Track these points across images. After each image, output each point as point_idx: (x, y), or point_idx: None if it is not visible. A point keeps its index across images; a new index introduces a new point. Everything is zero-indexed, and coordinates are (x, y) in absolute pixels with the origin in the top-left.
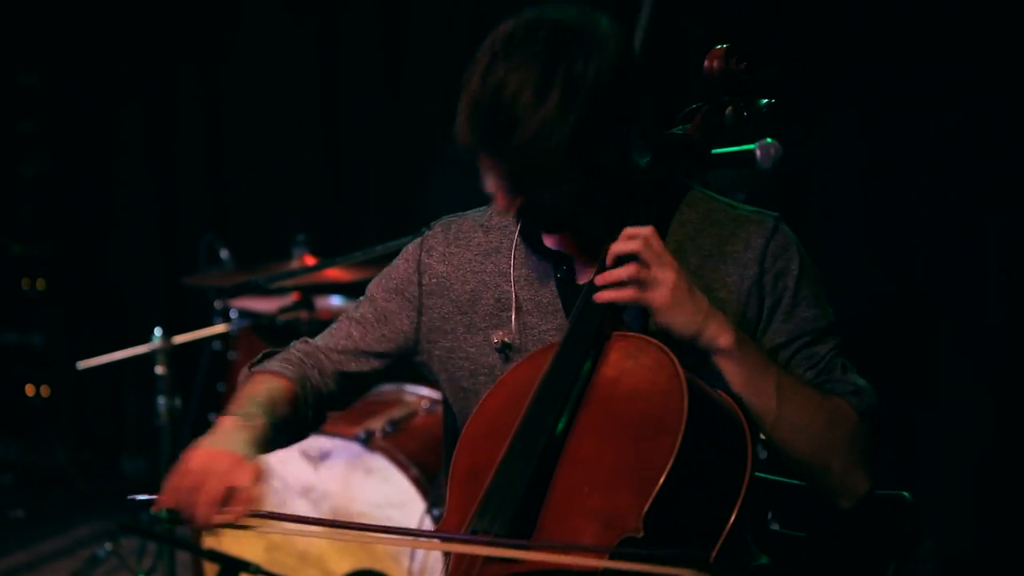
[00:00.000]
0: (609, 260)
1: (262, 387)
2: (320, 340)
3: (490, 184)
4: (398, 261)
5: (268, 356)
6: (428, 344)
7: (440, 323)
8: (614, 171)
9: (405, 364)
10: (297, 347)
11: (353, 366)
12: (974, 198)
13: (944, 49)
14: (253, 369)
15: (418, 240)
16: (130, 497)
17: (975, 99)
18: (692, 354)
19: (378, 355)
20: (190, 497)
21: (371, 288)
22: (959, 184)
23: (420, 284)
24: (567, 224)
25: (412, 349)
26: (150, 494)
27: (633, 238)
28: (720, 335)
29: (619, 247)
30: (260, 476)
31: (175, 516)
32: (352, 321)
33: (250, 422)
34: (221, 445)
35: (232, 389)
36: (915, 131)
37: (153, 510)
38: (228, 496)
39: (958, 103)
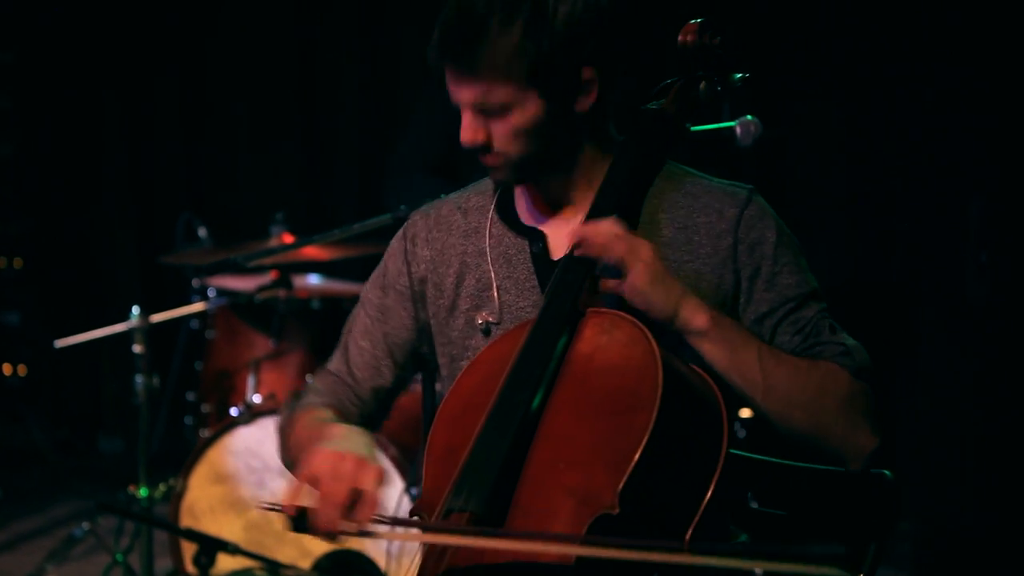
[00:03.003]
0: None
1: (317, 413)
2: (336, 365)
3: (464, 117)
4: (385, 260)
5: (297, 396)
6: (427, 333)
7: (431, 309)
8: (590, 130)
9: (419, 361)
10: (320, 381)
11: (378, 380)
12: (954, 177)
13: (926, 25)
14: (291, 412)
15: (400, 233)
16: (259, 505)
17: (958, 77)
18: (672, 334)
19: (392, 358)
20: (317, 502)
21: (364, 293)
22: (940, 163)
23: (410, 274)
24: (532, 172)
25: (416, 341)
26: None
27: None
28: (695, 316)
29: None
30: (383, 478)
31: (300, 523)
32: (357, 335)
33: (357, 428)
34: (344, 448)
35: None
36: (896, 109)
37: (284, 519)
38: (353, 500)
39: (941, 81)
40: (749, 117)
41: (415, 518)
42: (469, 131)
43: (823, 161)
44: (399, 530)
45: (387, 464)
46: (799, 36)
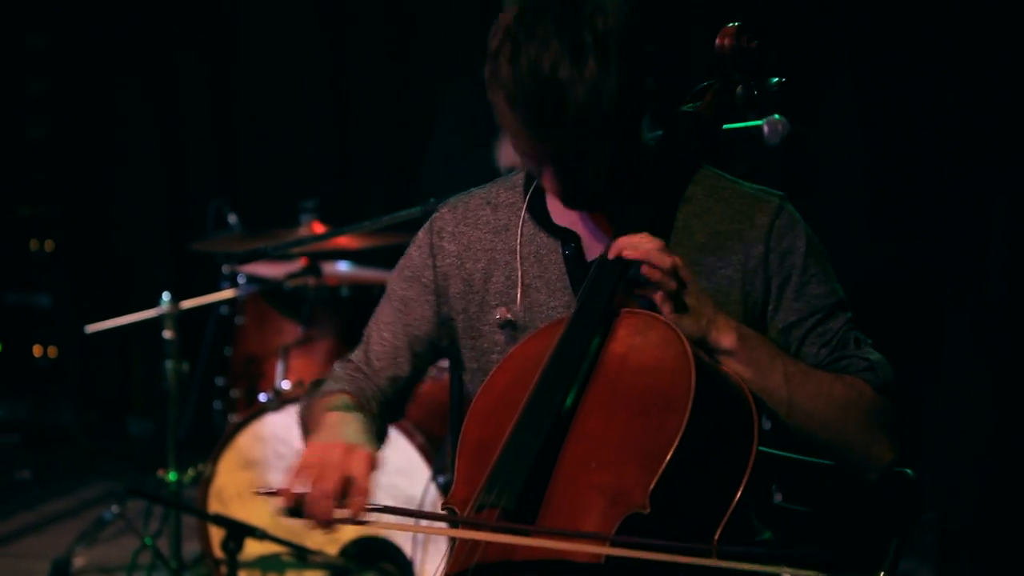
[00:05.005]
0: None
1: (333, 399)
2: (357, 355)
3: (534, 167)
4: (411, 250)
5: (317, 384)
6: (448, 327)
7: (455, 303)
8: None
9: (438, 353)
10: (342, 369)
11: (395, 370)
12: (979, 174)
13: (950, 25)
14: (311, 399)
15: (427, 225)
16: (257, 491)
17: (983, 77)
18: None
19: (411, 349)
20: (309, 493)
21: (390, 283)
22: (964, 160)
23: (435, 267)
24: (607, 199)
25: (435, 334)
26: (269, 489)
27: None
28: (723, 336)
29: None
30: (374, 463)
31: (296, 510)
32: (381, 325)
33: (350, 414)
34: (333, 438)
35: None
36: (920, 108)
37: (278, 508)
38: (345, 487)
39: (965, 80)
40: (776, 116)
41: (443, 512)
42: (555, 184)
43: (846, 159)
44: (390, 518)
45: (412, 451)
46: (823, 34)
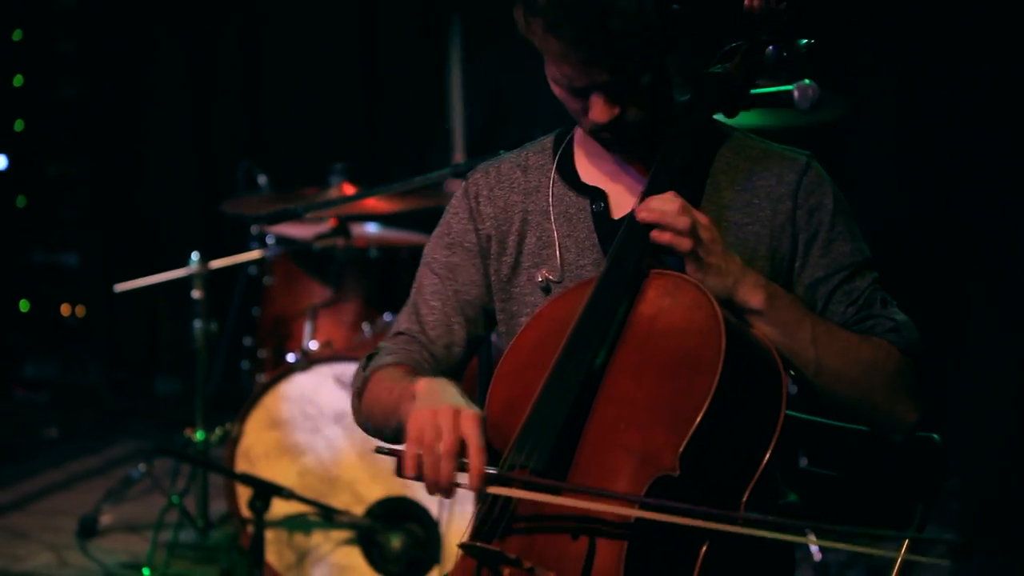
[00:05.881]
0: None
1: (396, 372)
2: (407, 325)
3: (579, 101)
4: (448, 218)
5: (370, 358)
6: (492, 290)
7: (494, 265)
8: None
9: (490, 318)
10: (391, 342)
11: (450, 337)
12: (1009, 138)
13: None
14: (367, 371)
15: (461, 191)
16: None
17: (1017, 40)
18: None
19: (464, 315)
20: (428, 458)
21: (428, 254)
22: (995, 124)
23: (477, 231)
24: (641, 143)
25: (485, 297)
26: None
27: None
28: (752, 296)
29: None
30: (482, 422)
31: (415, 474)
32: (426, 295)
33: (440, 379)
34: (437, 402)
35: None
36: (952, 73)
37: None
38: (460, 449)
39: (999, 44)
40: (807, 81)
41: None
42: (606, 111)
43: (877, 125)
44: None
45: None
46: (858, 4)
